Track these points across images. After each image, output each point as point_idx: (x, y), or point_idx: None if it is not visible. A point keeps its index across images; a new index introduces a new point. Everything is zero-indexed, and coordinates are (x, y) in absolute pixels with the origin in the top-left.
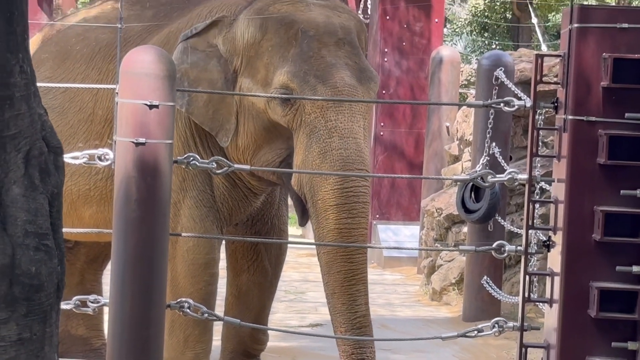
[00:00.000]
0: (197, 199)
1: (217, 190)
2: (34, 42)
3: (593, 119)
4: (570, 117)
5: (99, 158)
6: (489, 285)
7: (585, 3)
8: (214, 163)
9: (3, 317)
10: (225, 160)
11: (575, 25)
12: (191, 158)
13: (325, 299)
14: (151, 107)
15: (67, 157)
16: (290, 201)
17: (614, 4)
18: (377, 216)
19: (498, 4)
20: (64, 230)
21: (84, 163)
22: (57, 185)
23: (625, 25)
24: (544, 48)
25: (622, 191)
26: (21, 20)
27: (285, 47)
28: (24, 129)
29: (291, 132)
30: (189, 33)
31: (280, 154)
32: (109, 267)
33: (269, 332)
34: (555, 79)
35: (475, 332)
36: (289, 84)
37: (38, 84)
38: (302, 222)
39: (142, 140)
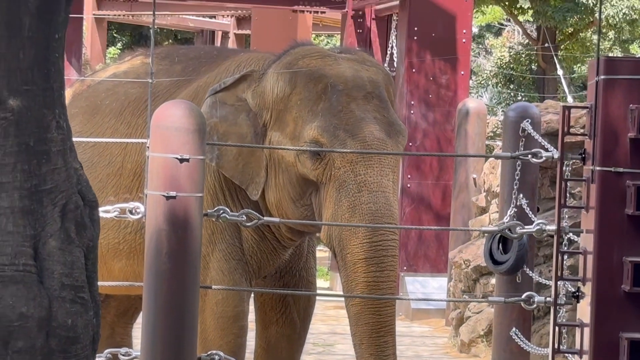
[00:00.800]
0: (226, 252)
1: (246, 243)
2: (68, 95)
3: (621, 169)
4: (597, 168)
5: (130, 211)
6: (518, 337)
7: (611, 54)
8: (243, 216)
9: None
10: (254, 212)
11: (602, 77)
12: (221, 211)
13: (354, 349)
14: (181, 160)
15: (99, 211)
16: (318, 253)
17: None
18: (405, 268)
19: (523, 56)
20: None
21: (116, 216)
22: (93, 239)
23: None
24: (570, 99)
25: None
26: (57, 77)
27: (314, 101)
28: (60, 183)
29: (316, 185)
30: (217, 87)
31: (309, 206)
32: (139, 320)
33: None
34: (582, 130)
35: None
36: (318, 138)
37: (77, 138)
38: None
39: (172, 193)
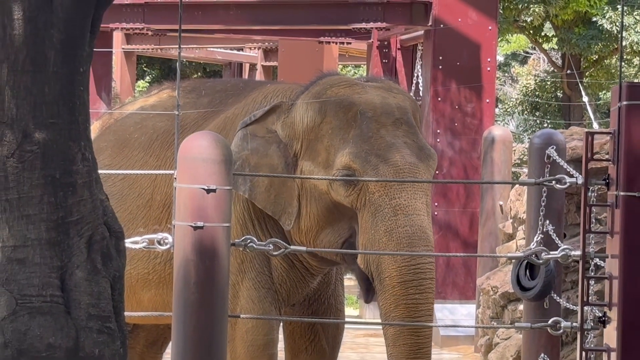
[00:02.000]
0: (255, 281)
1: (275, 272)
2: (93, 130)
3: None
4: (622, 193)
5: (159, 242)
6: None
7: (636, 80)
8: (270, 245)
9: None
10: (281, 242)
11: (625, 102)
12: (248, 240)
13: None
14: (209, 191)
15: (128, 242)
16: (346, 281)
17: None
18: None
19: (549, 83)
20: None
21: (144, 247)
22: (119, 269)
23: None
24: (596, 126)
25: None
26: (83, 110)
27: (345, 129)
28: (86, 215)
29: (353, 212)
30: (247, 120)
31: (342, 234)
32: (168, 350)
33: None
34: (606, 156)
35: None
36: (351, 164)
37: (105, 171)
38: (368, 300)
39: (200, 223)
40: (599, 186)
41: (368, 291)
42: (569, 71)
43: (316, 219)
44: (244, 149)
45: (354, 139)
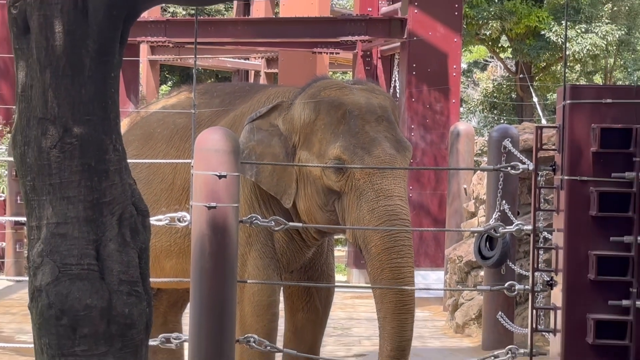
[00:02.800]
0: (260, 252)
1: (277, 244)
2: (123, 126)
3: (585, 178)
4: (566, 177)
5: (179, 220)
6: (504, 319)
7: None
8: (272, 222)
9: (103, 350)
10: (281, 219)
11: (568, 101)
12: (254, 218)
13: (378, 322)
14: (220, 177)
15: (153, 220)
16: (336, 252)
17: (601, 82)
18: None
19: (504, 86)
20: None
21: (166, 224)
22: (145, 242)
23: (610, 100)
24: (544, 121)
25: (611, 238)
26: (114, 108)
27: (335, 125)
28: (117, 196)
29: (339, 194)
30: (254, 116)
31: (333, 212)
32: (187, 309)
33: None
34: (553, 147)
35: (493, 358)
36: (341, 155)
37: (134, 160)
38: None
39: (213, 204)
40: (547, 172)
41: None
42: (521, 76)
43: (311, 199)
44: (251, 140)
45: (343, 134)
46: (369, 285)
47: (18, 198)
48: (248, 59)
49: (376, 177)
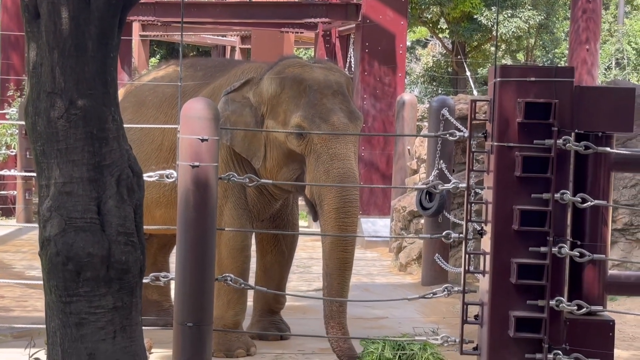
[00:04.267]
0: (235, 203)
1: (249, 197)
2: (121, 93)
3: (511, 144)
4: (495, 143)
5: (167, 177)
6: (440, 260)
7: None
8: (247, 179)
9: (103, 292)
10: (254, 176)
11: (498, 79)
12: (231, 175)
13: (322, 279)
14: (202, 140)
15: (145, 176)
16: (300, 202)
17: (522, 60)
18: (361, 212)
19: (442, 62)
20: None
21: (156, 180)
22: (139, 199)
23: (533, 78)
24: (475, 93)
25: (532, 195)
26: (113, 84)
27: (298, 98)
28: (115, 160)
29: (303, 157)
30: (229, 89)
31: (295, 172)
32: (174, 251)
33: (286, 295)
34: (484, 116)
35: (432, 294)
36: (301, 123)
37: (130, 125)
38: (315, 219)
39: (196, 164)
40: (479, 138)
41: (315, 212)
42: (457, 54)
43: (277, 161)
44: (226, 110)
45: (304, 106)
46: (330, 234)
47: (27, 153)
48: (225, 36)
49: (331, 143)
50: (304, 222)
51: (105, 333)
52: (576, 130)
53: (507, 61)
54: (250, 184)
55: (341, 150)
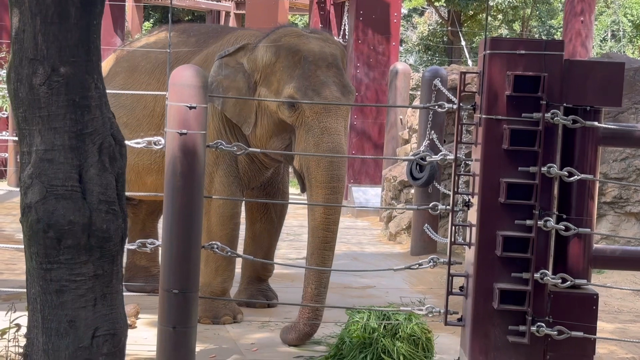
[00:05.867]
0: (226, 171)
1: (240, 165)
2: (110, 59)
3: (500, 117)
4: (484, 116)
5: (154, 143)
6: (429, 230)
7: (500, 32)
8: (234, 147)
9: (84, 259)
10: (242, 145)
11: (488, 51)
12: (219, 143)
13: (306, 258)
14: (190, 108)
15: (132, 142)
16: (291, 171)
17: (519, 30)
18: (352, 181)
19: (438, 31)
20: (134, 194)
21: (144, 147)
22: (121, 168)
23: (523, 52)
24: (470, 63)
25: (519, 168)
26: (96, 52)
27: (292, 68)
28: (98, 128)
29: (294, 128)
30: (223, 54)
31: (284, 142)
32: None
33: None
34: (474, 88)
35: (417, 265)
36: (294, 95)
37: (115, 91)
38: (303, 190)
39: (184, 131)
40: (469, 110)
41: (303, 184)
42: (452, 23)
43: (267, 129)
44: (219, 74)
45: (298, 77)
46: (317, 202)
47: None
48: (220, 1)
49: (322, 116)
50: (295, 190)
51: (85, 300)
52: (565, 104)
53: (503, 31)
54: (238, 153)
55: (332, 125)
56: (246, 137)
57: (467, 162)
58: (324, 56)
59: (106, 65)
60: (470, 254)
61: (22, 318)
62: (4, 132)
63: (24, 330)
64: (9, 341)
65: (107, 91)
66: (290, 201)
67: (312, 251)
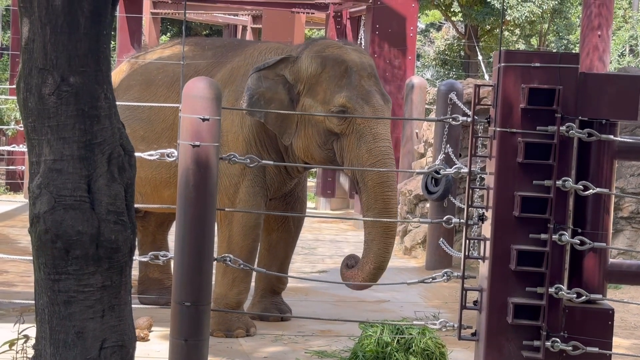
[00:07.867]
0: (253, 181)
1: (268, 175)
2: (122, 70)
3: (514, 130)
4: (498, 129)
5: (167, 155)
6: (444, 245)
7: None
8: (248, 159)
9: (92, 270)
10: (255, 157)
11: (502, 64)
12: (231, 155)
13: (364, 243)
14: (204, 120)
15: (145, 155)
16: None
17: (536, 45)
18: None
19: (455, 45)
20: (149, 206)
21: (157, 159)
22: (130, 178)
23: (538, 64)
24: (487, 77)
25: (534, 181)
26: (105, 62)
27: (339, 78)
28: (107, 138)
29: (338, 136)
30: (261, 67)
31: (328, 150)
32: (172, 228)
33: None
34: (490, 102)
35: (431, 279)
36: (346, 103)
37: (130, 103)
38: (354, 193)
39: (197, 143)
40: (483, 123)
41: (354, 187)
42: (469, 38)
43: (311, 139)
44: (260, 87)
45: (346, 86)
46: (379, 208)
47: None
48: (237, 15)
49: (373, 123)
50: (312, 204)
51: (93, 312)
52: (580, 117)
53: (520, 46)
54: (251, 165)
55: (382, 131)
56: (279, 148)
57: (482, 175)
58: (364, 66)
59: (115, 76)
60: (484, 268)
61: (31, 329)
62: (21, 145)
63: (32, 341)
64: (17, 352)
65: (123, 103)
66: (309, 213)
67: (373, 238)
